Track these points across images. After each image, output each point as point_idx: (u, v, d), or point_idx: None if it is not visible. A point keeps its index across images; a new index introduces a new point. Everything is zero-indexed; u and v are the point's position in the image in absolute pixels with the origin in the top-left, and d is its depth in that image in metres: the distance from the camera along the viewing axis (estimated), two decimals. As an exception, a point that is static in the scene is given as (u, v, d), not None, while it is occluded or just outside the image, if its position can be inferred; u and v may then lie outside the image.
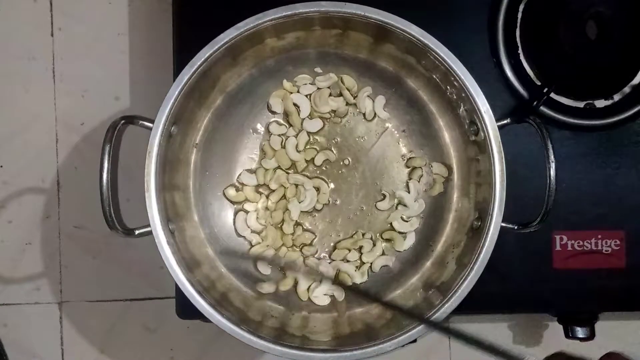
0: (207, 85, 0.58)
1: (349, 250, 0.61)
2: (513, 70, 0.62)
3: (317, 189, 0.61)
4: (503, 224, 0.54)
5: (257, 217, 0.61)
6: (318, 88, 0.62)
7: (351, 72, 0.62)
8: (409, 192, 0.61)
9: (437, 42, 0.54)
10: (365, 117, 0.62)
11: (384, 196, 0.62)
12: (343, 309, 0.60)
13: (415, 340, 0.54)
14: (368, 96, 0.61)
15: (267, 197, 0.61)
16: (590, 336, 0.63)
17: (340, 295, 0.61)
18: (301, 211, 0.61)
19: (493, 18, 0.62)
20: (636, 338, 0.71)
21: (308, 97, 0.61)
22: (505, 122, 0.56)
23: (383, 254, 0.61)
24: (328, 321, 0.60)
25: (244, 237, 0.61)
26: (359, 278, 0.61)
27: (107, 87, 0.70)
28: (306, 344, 0.55)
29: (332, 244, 0.62)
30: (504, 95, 0.62)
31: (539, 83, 0.62)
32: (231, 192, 0.61)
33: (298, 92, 0.61)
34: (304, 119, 0.61)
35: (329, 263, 0.61)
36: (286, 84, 0.61)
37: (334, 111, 0.62)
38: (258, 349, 0.53)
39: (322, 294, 0.60)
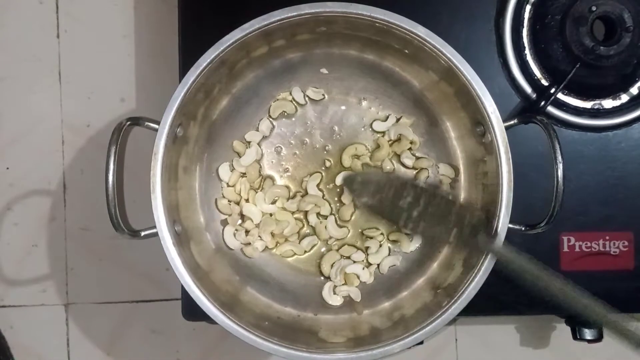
0: (213, 87, 0.58)
1: (356, 249, 0.61)
2: (520, 70, 0.61)
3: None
4: (510, 225, 0.54)
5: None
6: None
7: (357, 72, 0.62)
8: None
9: (443, 43, 0.54)
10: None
11: None
12: (361, 309, 0.60)
13: (422, 342, 0.54)
14: None
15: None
16: (599, 338, 0.62)
17: (356, 295, 0.61)
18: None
19: (500, 18, 0.62)
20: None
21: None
22: (512, 122, 0.55)
23: (390, 254, 0.61)
24: (335, 323, 0.60)
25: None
26: (366, 278, 0.61)
27: (113, 88, 0.70)
28: (313, 346, 0.54)
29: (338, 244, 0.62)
30: (511, 95, 0.62)
31: (546, 83, 0.62)
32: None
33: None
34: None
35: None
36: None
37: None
38: (264, 351, 0.53)
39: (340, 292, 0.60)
